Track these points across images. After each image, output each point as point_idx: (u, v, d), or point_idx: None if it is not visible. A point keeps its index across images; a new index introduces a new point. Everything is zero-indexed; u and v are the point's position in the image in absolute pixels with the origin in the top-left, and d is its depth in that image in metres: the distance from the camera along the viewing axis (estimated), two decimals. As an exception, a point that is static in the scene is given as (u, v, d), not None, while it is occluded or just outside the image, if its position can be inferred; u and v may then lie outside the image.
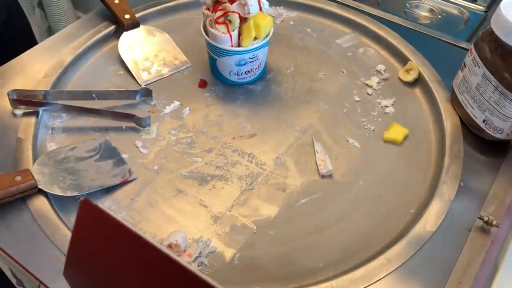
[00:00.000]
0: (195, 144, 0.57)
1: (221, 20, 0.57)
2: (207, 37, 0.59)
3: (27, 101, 0.57)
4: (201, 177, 0.54)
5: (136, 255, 0.30)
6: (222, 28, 0.57)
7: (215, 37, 0.58)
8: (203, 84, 0.64)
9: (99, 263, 0.33)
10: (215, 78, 0.65)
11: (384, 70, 0.66)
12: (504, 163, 0.55)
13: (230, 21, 0.56)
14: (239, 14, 0.57)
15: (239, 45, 0.59)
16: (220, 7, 0.57)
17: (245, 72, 0.62)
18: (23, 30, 0.87)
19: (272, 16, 0.71)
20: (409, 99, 0.63)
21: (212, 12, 0.58)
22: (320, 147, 0.57)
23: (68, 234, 0.46)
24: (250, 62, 0.60)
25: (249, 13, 0.56)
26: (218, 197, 0.52)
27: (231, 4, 0.57)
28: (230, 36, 0.57)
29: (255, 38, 0.58)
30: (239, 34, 0.58)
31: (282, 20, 0.74)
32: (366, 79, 0.65)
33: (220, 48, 0.59)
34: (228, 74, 0.62)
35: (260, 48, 0.60)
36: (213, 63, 0.63)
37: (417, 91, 0.64)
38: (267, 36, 0.59)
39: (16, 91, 0.57)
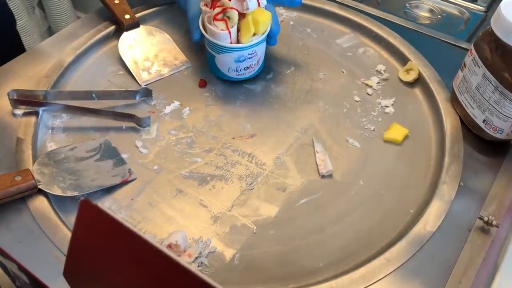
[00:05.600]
0: (195, 144, 0.57)
1: (219, 16, 0.56)
2: (205, 34, 0.59)
3: (27, 101, 0.57)
4: (201, 177, 0.54)
5: (136, 255, 0.30)
6: (221, 24, 0.57)
7: (214, 34, 0.58)
8: (203, 84, 0.64)
9: (99, 263, 0.33)
10: (214, 76, 0.64)
11: (384, 70, 0.66)
12: (504, 163, 0.55)
13: (229, 18, 0.56)
14: (237, 10, 0.56)
15: (238, 42, 0.58)
16: (218, 4, 0.57)
17: (244, 68, 0.62)
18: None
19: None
20: (409, 99, 0.63)
21: (210, 8, 0.58)
22: (320, 147, 0.57)
23: (68, 234, 0.46)
24: (249, 58, 0.60)
25: (247, 9, 0.56)
26: (218, 197, 0.52)
27: (229, 0, 0.57)
28: (229, 32, 0.57)
29: (254, 34, 0.58)
30: (238, 30, 0.58)
31: (282, 20, 0.74)
32: (366, 79, 0.65)
33: (219, 45, 0.58)
34: (227, 71, 0.62)
35: (259, 44, 0.59)
36: (211, 60, 0.62)
37: (417, 91, 0.64)
38: (265, 31, 0.59)
39: (16, 91, 0.57)
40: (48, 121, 0.59)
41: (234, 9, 0.56)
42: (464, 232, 0.49)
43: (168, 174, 0.54)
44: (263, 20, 0.57)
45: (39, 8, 1.32)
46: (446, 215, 0.50)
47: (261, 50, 0.61)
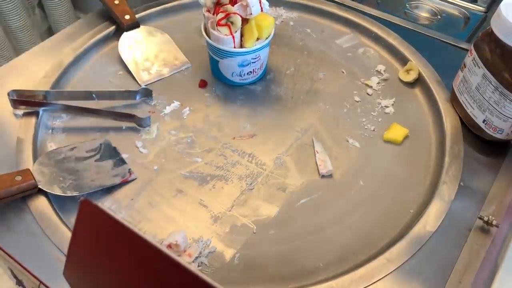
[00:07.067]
0: (195, 144, 0.57)
1: (223, 22, 0.57)
2: (209, 39, 0.59)
3: (27, 101, 0.57)
4: (201, 177, 0.54)
5: (136, 255, 0.31)
6: (225, 30, 0.57)
7: (218, 39, 0.58)
8: (203, 84, 0.64)
9: (99, 263, 0.33)
10: (216, 79, 0.65)
11: (384, 71, 0.66)
12: (504, 163, 0.55)
13: (232, 23, 0.56)
14: (240, 15, 0.57)
15: (241, 46, 0.59)
16: (221, 9, 0.57)
17: (247, 73, 0.62)
18: None
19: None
20: (409, 99, 0.63)
21: (213, 14, 0.58)
22: (320, 147, 0.57)
23: (68, 234, 0.46)
24: (252, 62, 0.60)
25: (251, 14, 0.56)
26: (218, 197, 0.52)
27: (232, 5, 0.57)
28: (233, 37, 0.57)
29: (258, 39, 0.58)
30: (241, 35, 0.58)
31: (282, 21, 0.74)
32: (366, 80, 0.65)
33: (223, 50, 0.59)
34: (230, 76, 0.62)
35: (262, 49, 0.60)
36: (214, 65, 0.63)
37: (417, 91, 0.64)
38: (269, 36, 0.60)
39: (16, 91, 0.57)
40: (48, 121, 0.59)
41: (238, 14, 0.56)
42: (464, 232, 0.49)
43: (168, 174, 0.54)
44: (266, 25, 0.58)
45: (39, 8, 1.31)
46: (446, 215, 0.50)
47: (264, 55, 0.61)
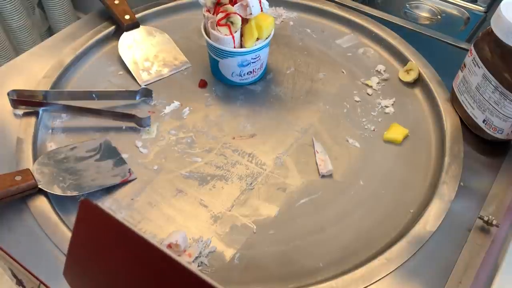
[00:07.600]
0: (195, 144, 0.57)
1: (223, 22, 0.57)
2: (208, 39, 0.59)
3: (27, 101, 0.57)
4: (201, 177, 0.54)
5: (136, 255, 0.31)
6: (225, 30, 0.57)
7: (218, 39, 0.58)
8: (203, 84, 0.64)
9: (99, 263, 0.33)
10: (216, 79, 0.65)
11: (384, 71, 0.66)
12: (504, 163, 0.55)
13: (232, 23, 0.56)
14: (240, 15, 0.57)
15: (241, 46, 0.59)
16: (221, 9, 0.57)
17: (247, 73, 0.62)
18: None
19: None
20: (409, 99, 0.63)
21: (213, 14, 0.58)
22: (320, 147, 0.57)
23: (68, 234, 0.46)
24: (252, 62, 0.60)
25: (251, 14, 0.56)
26: (218, 197, 0.52)
27: (232, 5, 0.57)
28: (233, 37, 0.57)
29: (257, 39, 0.58)
30: (241, 35, 0.58)
31: (282, 21, 0.74)
32: (366, 80, 0.65)
33: (223, 50, 0.59)
34: (230, 76, 0.62)
35: (262, 48, 0.60)
36: (214, 65, 0.63)
37: (417, 91, 0.64)
38: (269, 36, 0.60)
39: (16, 91, 0.57)
40: (48, 121, 0.59)
41: (237, 14, 0.56)
42: (464, 232, 0.49)
43: (168, 174, 0.54)
44: (266, 25, 0.58)
45: (39, 8, 1.31)
46: (446, 215, 0.50)
47: (264, 55, 0.61)
